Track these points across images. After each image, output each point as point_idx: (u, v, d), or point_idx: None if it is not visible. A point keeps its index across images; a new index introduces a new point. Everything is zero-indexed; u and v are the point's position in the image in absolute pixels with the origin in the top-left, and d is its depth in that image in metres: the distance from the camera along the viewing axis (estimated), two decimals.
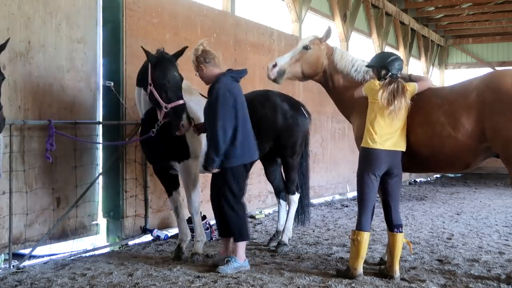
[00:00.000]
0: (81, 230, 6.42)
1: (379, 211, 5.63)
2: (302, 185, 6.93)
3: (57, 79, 6.09)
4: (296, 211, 6.84)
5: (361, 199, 5.17)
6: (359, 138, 5.37)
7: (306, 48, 5.62)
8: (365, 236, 5.10)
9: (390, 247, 5.17)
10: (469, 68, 21.96)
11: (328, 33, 5.66)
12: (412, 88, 5.17)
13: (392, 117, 5.02)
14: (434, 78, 21.74)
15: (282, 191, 6.91)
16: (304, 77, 5.76)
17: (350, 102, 5.57)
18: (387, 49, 16.38)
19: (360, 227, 5.11)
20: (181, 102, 5.43)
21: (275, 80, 5.63)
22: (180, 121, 5.37)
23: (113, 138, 6.82)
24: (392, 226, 5.17)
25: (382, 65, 5.17)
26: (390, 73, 5.12)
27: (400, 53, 17.76)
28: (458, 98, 5.08)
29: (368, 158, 5.10)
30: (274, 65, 5.59)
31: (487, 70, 17.77)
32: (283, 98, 6.70)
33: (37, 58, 5.85)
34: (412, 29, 18.14)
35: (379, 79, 5.18)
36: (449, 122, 5.03)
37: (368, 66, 5.38)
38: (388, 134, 5.06)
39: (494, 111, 4.86)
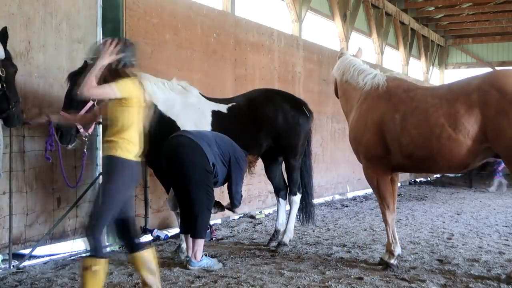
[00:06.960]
0: (83, 230, 6.41)
1: (379, 211, 5.62)
2: (306, 184, 6.89)
3: (58, 79, 6.08)
4: (301, 210, 6.83)
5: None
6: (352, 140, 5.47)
7: None
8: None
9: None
10: (469, 68, 21.96)
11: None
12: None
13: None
14: (434, 78, 21.75)
15: (282, 190, 6.87)
16: None
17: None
18: (387, 49, 16.40)
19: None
20: None
21: None
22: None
23: None
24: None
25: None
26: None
27: (400, 53, 17.78)
28: (458, 98, 4.97)
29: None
30: None
31: (487, 70, 17.76)
32: (284, 98, 6.62)
33: (37, 58, 5.85)
34: (412, 29, 18.14)
35: None
36: (449, 123, 4.94)
37: None
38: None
39: (499, 111, 4.77)
